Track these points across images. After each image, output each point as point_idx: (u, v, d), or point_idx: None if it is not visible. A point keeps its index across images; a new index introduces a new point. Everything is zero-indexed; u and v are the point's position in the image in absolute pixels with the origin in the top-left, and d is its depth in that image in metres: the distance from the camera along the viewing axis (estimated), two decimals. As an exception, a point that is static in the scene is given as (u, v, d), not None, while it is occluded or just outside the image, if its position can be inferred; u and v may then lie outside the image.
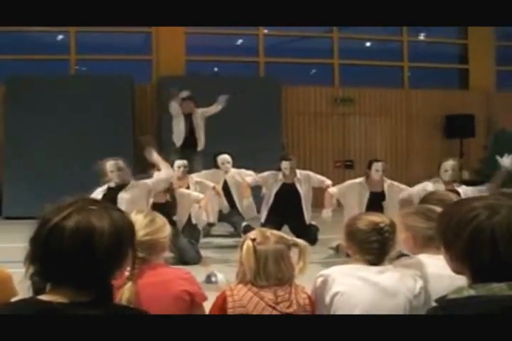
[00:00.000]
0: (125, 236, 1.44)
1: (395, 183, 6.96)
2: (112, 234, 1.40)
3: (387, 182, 6.93)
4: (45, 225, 1.39)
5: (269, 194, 7.60)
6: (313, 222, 7.61)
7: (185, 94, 9.09)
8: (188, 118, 9.18)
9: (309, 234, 7.35)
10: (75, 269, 1.37)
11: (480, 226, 1.41)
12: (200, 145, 9.18)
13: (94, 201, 1.48)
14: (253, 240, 2.35)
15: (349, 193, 6.84)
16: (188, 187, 7.36)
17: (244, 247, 2.35)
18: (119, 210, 1.48)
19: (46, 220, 1.40)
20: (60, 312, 1.34)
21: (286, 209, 7.42)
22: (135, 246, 1.49)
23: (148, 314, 1.51)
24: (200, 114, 9.21)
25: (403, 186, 6.89)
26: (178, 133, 9.21)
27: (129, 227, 1.47)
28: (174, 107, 9.12)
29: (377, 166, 6.85)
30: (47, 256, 1.38)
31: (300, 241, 2.43)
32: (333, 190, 6.98)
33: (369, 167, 6.91)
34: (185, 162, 7.67)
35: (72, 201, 1.44)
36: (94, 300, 1.38)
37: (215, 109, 9.23)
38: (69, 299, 1.37)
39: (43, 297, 1.40)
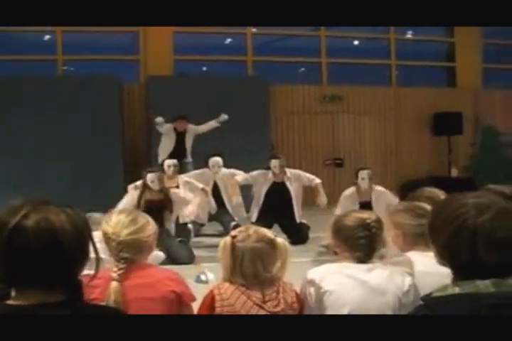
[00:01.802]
0: (84, 231, 1.44)
1: (383, 191, 6.95)
2: (73, 230, 1.39)
3: (376, 190, 6.94)
4: (4, 227, 1.36)
5: (260, 193, 7.60)
6: (303, 221, 7.63)
7: (159, 119, 9.05)
8: (181, 136, 9.21)
9: (300, 232, 7.38)
10: (42, 269, 1.35)
11: (463, 225, 1.41)
12: (188, 159, 9.23)
13: (45, 201, 1.45)
14: (233, 237, 2.34)
15: (344, 205, 6.82)
16: (177, 187, 7.36)
17: (222, 244, 2.35)
18: (70, 207, 1.46)
19: (4, 223, 1.36)
20: (32, 315, 1.32)
21: (276, 208, 7.43)
22: (93, 239, 1.48)
23: (119, 312, 1.51)
24: (193, 131, 9.24)
25: (390, 196, 6.86)
26: (165, 149, 9.20)
27: (85, 222, 1.47)
28: (165, 127, 9.11)
29: (363, 174, 6.92)
30: (11, 258, 1.35)
31: (280, 240, 2.38)
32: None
33: (356, 175, 6.98)
34: (175, 161, 7.67)
35: (22, 202, 1.42)
36: (65, 299, 1.37)
37: (208, 127, 9.25)
38: (39, 301, 1.35)
39: (11, 302, 1.37)
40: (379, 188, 6.99)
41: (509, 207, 1.43)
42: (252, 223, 7.28)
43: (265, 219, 7.18)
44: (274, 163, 7.48)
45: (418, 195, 3.60)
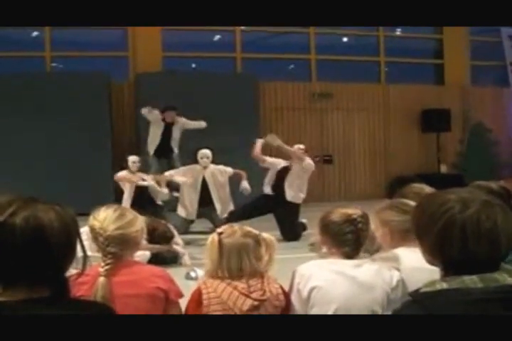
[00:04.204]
0: (72, 227, 1.43)
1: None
2: (61, 228, 1.39)
3: None
4: None
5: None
6: (304, 220, 7.71)
7: (144, 110, 9.14)
8: (169, 127, 9.17)
9: (293, 230, 7.50)
10: (29, 266, 1.35)
11: (451, 220, 1.41)
12: (175, 151, 9.25)
13: (32, 198, 1.45)
14: (220, 234, 2.38)
15: None
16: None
17: (209, 240, 2.40)
18: (58, 204, 1.46)
19: None
20: (18, 311, 1.32)
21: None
22: (81, 237, 1.48)
23: (106, 307, 1.51)
24: (182, 124, 9.20)
25: None
26: (153, 140, 9.20)
27: (73, 219, 1.47)
28: (153, 114, 9.08)
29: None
30: None
31: (267, 236, 2.43)
32: None
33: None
34: (137, 158, 8.08)
35: (10, 199, 1.41)
36: (51, 296, 1.37)
37: (198, 125, 9.20)
38: (24, 297, 1.35)
39: None
40: None
41: (491, 199, 1.46)
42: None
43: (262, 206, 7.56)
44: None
45: (407, 191, 3.60)
